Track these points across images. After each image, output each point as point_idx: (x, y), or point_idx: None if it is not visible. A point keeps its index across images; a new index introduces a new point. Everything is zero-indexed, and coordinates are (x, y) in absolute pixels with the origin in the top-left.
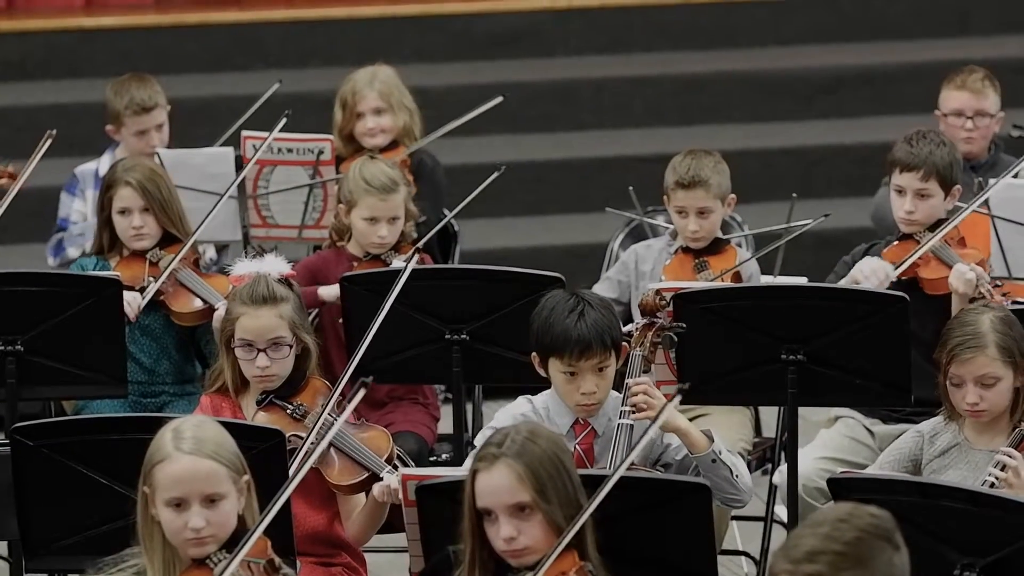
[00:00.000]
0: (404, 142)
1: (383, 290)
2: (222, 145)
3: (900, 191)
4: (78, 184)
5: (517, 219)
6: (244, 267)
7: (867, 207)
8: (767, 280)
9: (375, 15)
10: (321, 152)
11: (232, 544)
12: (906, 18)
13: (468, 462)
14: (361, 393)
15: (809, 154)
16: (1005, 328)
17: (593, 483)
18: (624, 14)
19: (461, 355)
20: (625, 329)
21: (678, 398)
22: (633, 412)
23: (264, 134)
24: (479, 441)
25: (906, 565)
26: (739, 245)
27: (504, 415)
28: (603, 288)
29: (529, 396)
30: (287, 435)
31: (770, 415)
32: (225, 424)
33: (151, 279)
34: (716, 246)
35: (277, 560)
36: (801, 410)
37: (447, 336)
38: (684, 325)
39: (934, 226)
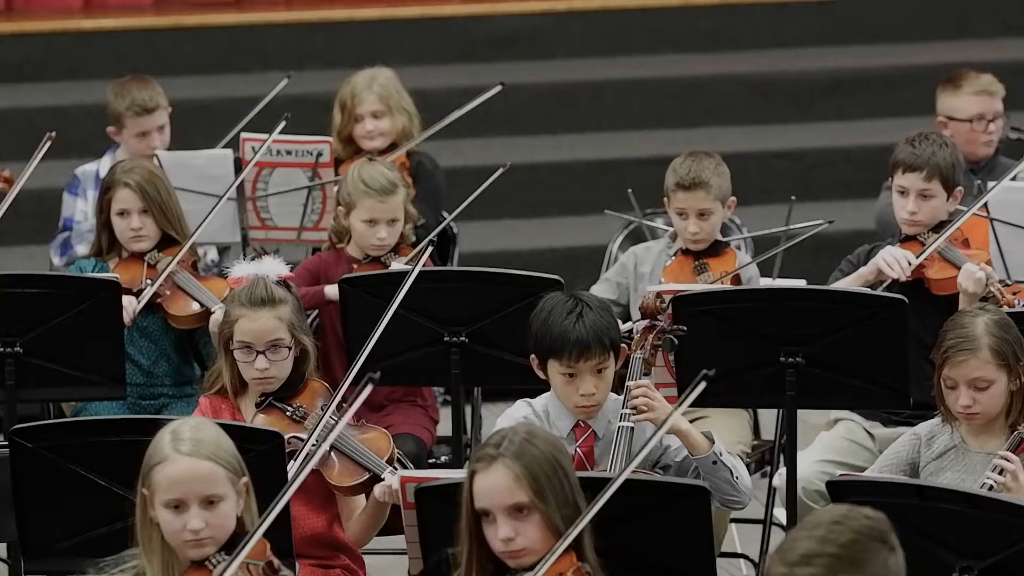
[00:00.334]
0: (403, 144)
1: (382, 292)
2: (226, 143)
3: (903, 192)
4: (79, 184)
5: (516, 221)
6: (243, 269)
7: (867, 210)
8: (766, 283)
9: (374, 17)
10: (320, 154)
11: (231, 546)
12: (905, 21)
13: (468, 464)
14: (368, 389)
15: (808, 157)
16: (1000, 331)
17: (594, 485)
18: (623, 16)
19: (460, 357)
20: (624, 327)
21: (702, 385)
22: (634, 414)
23: (263, 136)
24: None
25: (902, 566)
26: (738, 247)
27: (505, 420)
28: (601, 289)
29: (528, 399)
30: (287, 437)
31: (769, 418)
32: (224, 426)
33: (149, 281)
34: (716, 248)
35: (276, 562)
36: (800, 413)
37: (446, 338)
38: (685, 328)
39: (937, 227)
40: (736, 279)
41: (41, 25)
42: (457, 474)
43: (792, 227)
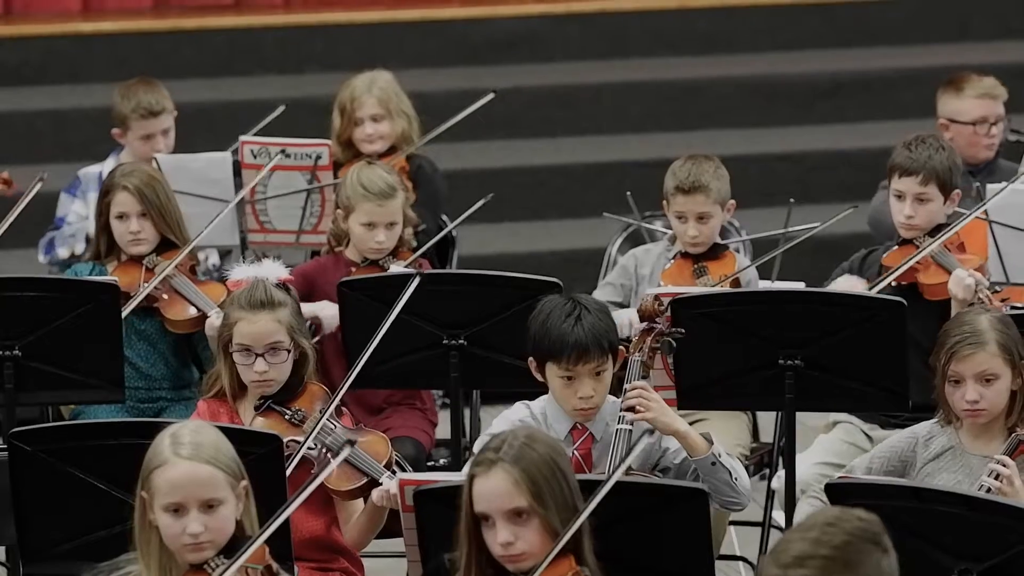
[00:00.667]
0: (402, 148)
1: (381, 296)
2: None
3: (900, 196)
4: (80, 186)
5: (515, 224)
6: (242, 272)
7: (866, 212)
8: (764, 285)
9: (373, 20)
10: (319, 157)
11: (230, 549)
12: (905, 23)
13: (467, 468)
14: (346, 451)
15: (807, 159)
16: (1003, 327)
17: (591, 488)
18: (622, 19)
19: (459, 360)
20: (621, 318)
21: (644, 440)
22: (630, 414)
23: (263, 140)
24: (477, 448)
25: (895, 568)
26: (737, 250)
27: (502, 421)
28: (605, 293)
29: (527, 402)
30: (286, 440)
31: (768, 420)
32: (223, 429)
33: (146, 284)
34: (715, 251)
35: (275, 565)
36: (799, 415)
37: (445, 341)
38: (683, 331)
39: (934, 231)
40: (736, 283)
41: (40, 28)
42: (456, 477)
43: (790, 230)
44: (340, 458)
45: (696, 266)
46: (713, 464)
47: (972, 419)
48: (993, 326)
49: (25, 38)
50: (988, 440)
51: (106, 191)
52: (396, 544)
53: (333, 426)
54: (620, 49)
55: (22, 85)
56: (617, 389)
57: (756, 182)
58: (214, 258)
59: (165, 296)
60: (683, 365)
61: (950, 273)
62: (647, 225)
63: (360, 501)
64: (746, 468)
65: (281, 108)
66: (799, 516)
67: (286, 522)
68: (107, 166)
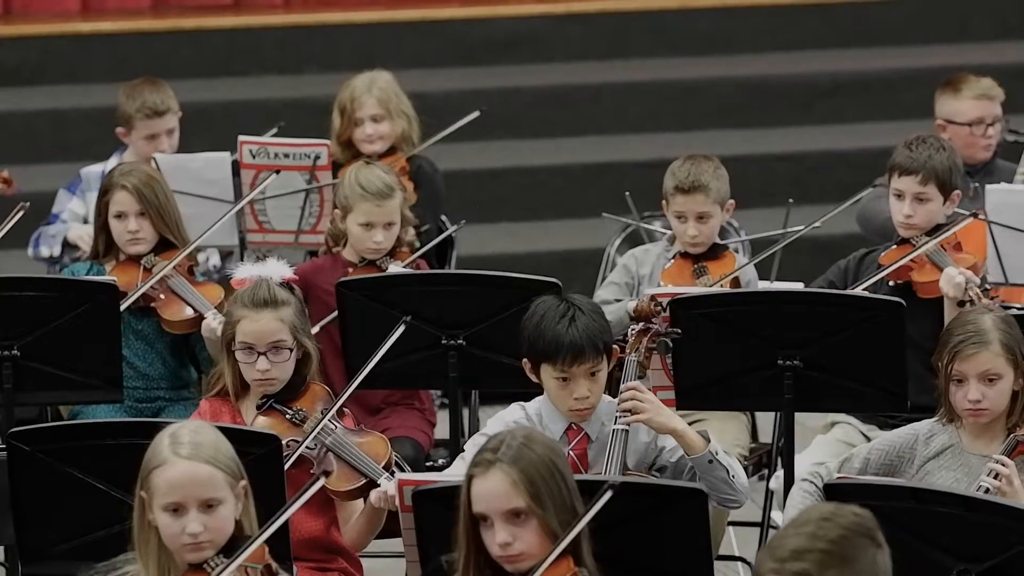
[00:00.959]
0: (402, 148)
1: (379, 296)
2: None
3: (899, 195)
4: (80, 184)
5: (514, 224)
6: (246, 271)
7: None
8: (763, 286)
9: (372, 20)
10: (317, 157)
11: (229, 549)
12: (904, 23)
13: (453, 470)
14: (319, 483)
15: (807, 160)
16: (1006, 327)
17: (589, 489)
18: (622, 19)
19: (457, 360)
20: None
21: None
22: (625, 416)
23: (261, 139)
24: (468, 447)
25: (888, 564)
26: (736, 250)
27: (496, 422)
28: (610, 292)
29: (522, 403)
30: (285, 440)
31: (767, 421)
32: (222, 429)
33: (143, 283)
34: (714, 251)
35: (274, 565)
36: (798, 416)
37: (443, 341)
38: (679, 331)
39: (933, 231)
40: (735, 282)
41: (39, 28)
42: (455, 477)
43: (789, 230)
44: (317, 486)
45: (696, 266)
46: (710, 462)
47: (974, 419)
48: (996, 326)
49: (24, 38)
50: (989, 440)
51: (105, 190)
52: (395, 544)
53: (334, 427)
54: (619, 49)
55: (21, 85)
56: (616, 389)
57: (755, 182)
58: (215, 259)
59: (162, 296)
60: (682, 365)
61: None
62: (646, 225)
63: (360, 502)
64: (745, 468)
65: (278, 125)
66: (790, 503)
67: (285, 522)
68: (110, 165)
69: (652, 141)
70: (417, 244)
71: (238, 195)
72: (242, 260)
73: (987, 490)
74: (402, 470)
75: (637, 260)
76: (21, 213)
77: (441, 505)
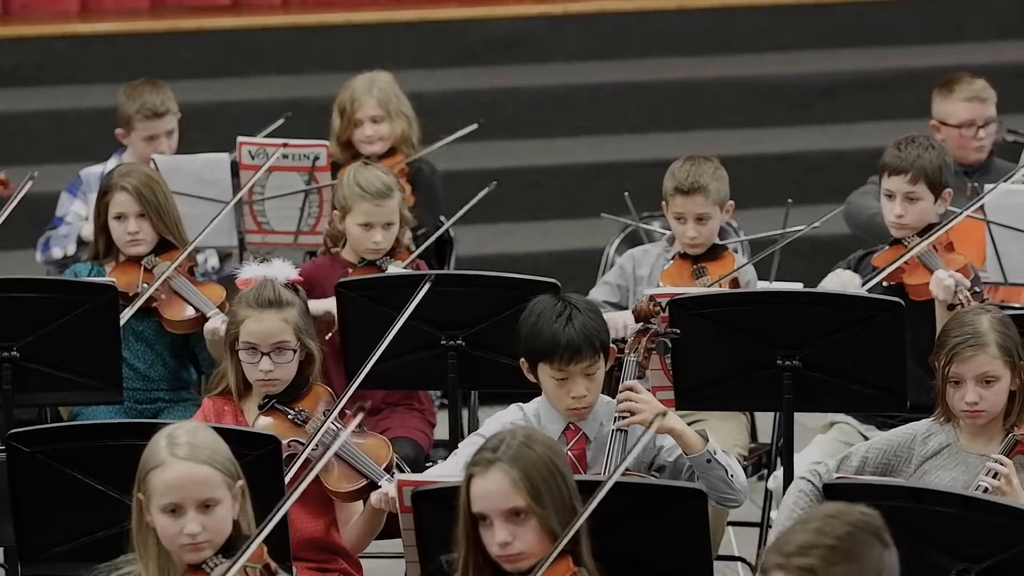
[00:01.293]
0: (402, 149)
1: (378, 296)
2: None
3: (890, 195)
4: (81, 185)
5: (513, 225)
6: (251, 271)
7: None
8: (763, 286)
9: (372, 21)
10: (317, 158)
11: (227, 549)
12: (902, 24)
13: (445, 467)
14: (359, 417)
15: (805, 160)
16: (1003, 328)
17: (589, 489)
18: (620, 20)
19: (457, 361)
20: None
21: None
22: (623, 417)
23: (261, 140)
24: (464, 447)
25: (896, 565)
26: (735, 251)
27: (494, 423)
28: (602, 292)
29: (521, 404)
30: (287, 441)
31: (766, 421)
32: (220, 430)
33: (146, 285)
34: (714, 252)
35: (273, 565)
36: (797, 416)
37: (443, 342)
38: (678, 331)
39: (926, 230)
40: (734, 282)
41: (38, 29)
42: (454, 478)
43: (788, 230)
44: (331, 452)
45: (695, 267)
46: (708, 461)
47: (971, 420)
48: (994, 327)
49: (23, 39)
50: (987, 440)
51: (104, 191)
52: (395, 545)
53: (336, 428)
54: (618, 50)
55: (20, 86)
56: (615, 390)
57: (753, 182)
58: (213, 260)
59: (164, 296)
60: (681, 366)
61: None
62: (645, 226)
63: (359, 503)
64: (744, 468)
65: (285, 116)
66: (784, 502)
67: (284, 522)
68: (109, 166)
69: (650, 141)
70: (413, 247)
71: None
72: (241, 261)
73: (986, 489)
74: (402, 471)
75: (635, 261)
76: (30, 184)
77: (441, 505)
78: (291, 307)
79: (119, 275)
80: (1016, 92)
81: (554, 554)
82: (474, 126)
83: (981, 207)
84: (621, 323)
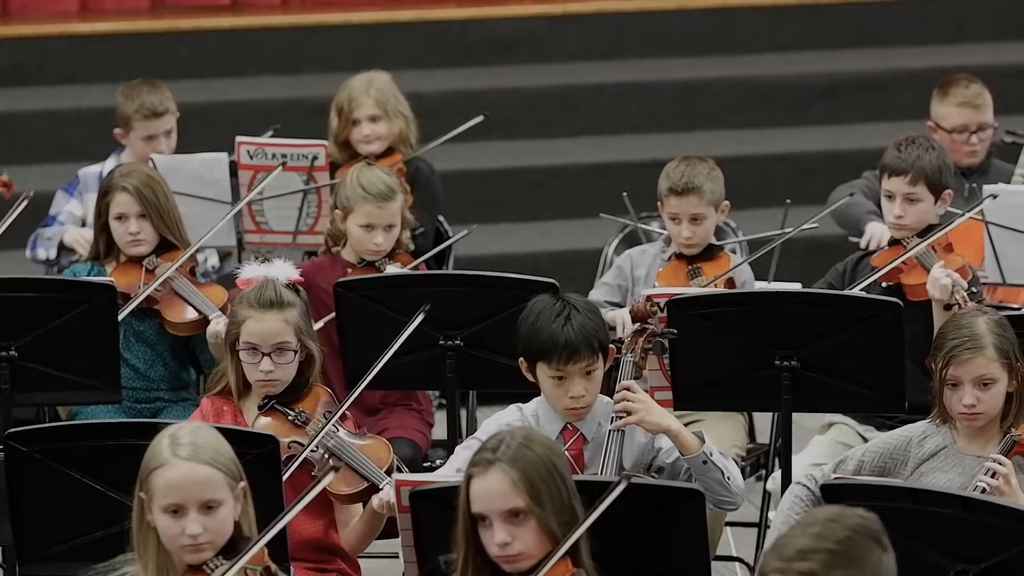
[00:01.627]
0: (400, 149)
1: (377, 296)
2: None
3: (890, 196)
4: (78, 185)
5: (512, 225)
6: (252, 271)
7: None
8: (760, 286)
9: (370, 21)
10: (315, 158)
11: (228, 550)
12: (901, 24)
13: (442, 472)
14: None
15: (804, 160)
16: (1000, 330)
17: (587, 489)
18: (619, 20)
19: (455, 361)
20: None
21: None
22: (620, 418)
23: (259, 139)
24: (461, 451)
25: (893, 567)
26: (733, 251)
27: (492, 424)
28: (602, 293)
29: (519, 404)
30: (287, 442)
31: (764, 421)
32: (220, 430)
33: (146, 285)
34: (710, 252)
35: (273, 566)
36: (796, 416)
37: (441, 342)
38: (675, 331)
39: (925, 231)
40: (731, 282)
41: (37, 29)
42: (453, 478)
43: (786, 230)
44: (328, 479)
45: (691, 267)
46: (704, 463)
47: (969, 422)
48: (991, 329)
49: (22, 38)
50: (984, 441)
51: (105, 192)
52: (393, 545)
53: (336, 430)
54: (617, 50)
55: (19, 86)
56: (613, 390)
57: (752, 183)
58: (213, 259)
59: (165, 298)
60: (679, 366)
61: None
62: (643, 226)
63: (358, 506)
64: (742, 469)
65: (274, 128)
66: (780, 506)
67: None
68: (108, 166)
69: (650, 142)
70: (412, 247)
71: (236, 196)
72: (240, 261)
73: (984, 490)
74: (400, 471)
75: (633, 261)
76: (25, 202)
77: (439, 505)
78: (292, 308)
79: (120, 276)
80: (1015, 93)
81: (556, 558)
82: (480, 118)
83: (979, 208)
84: (620, 320)
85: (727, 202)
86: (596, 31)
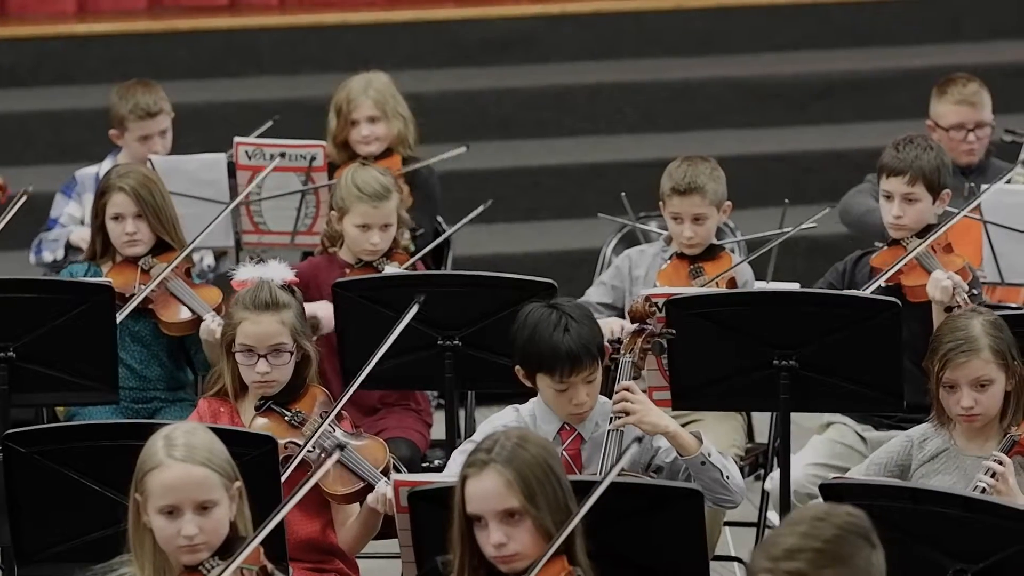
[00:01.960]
0: (398, 150)
1: (375, 296)
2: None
3: (888, 196)
4: (76, 187)
5: (510, 225)
6: (247, 272)
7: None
8: (759, 286)
9: (368, 21)
10: (313, 158)
11: (224, 550)
12: (898, 24)
13: (446, 475)
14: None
15: (801, 160)
16: (996, 331)
17: (584, 489)
18: (617, 20)
19: (453, 361)
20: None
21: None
22: (618, 418)
23: (257, 140)
24: (458, 454)
25: (882, 565)
26: (732, 251)
27: (489, 427)
28: (598, 293)
29: (516, 405)
30: (284, 442)
31: (763, 421)
32: (217, 430)
33: (142, 286)
34: (711, 252)
35: (270, 566)
36: (794, 416)
37: (440, 342)
38: (674, 331)
39: (924, 231)
40: (731, 282)
41: (34, 30)
42: (451, 478)
43: (785, 230)
44: (332, 459)
45: (692, 267)
46: (703, 463)
47: (968, 424)
48: (986, 331)
49: (19, 39)
50: (983, 442)
51: (102, 192)
52: (391, 545)
53: (332, 430)
54: (615, 50)
55: (16, 86)
56: (611, 390)
57: (750, 183)
58: (209, 259)
59: (160, 298)
60: (678, 366)
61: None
62: (641, 226)
63: (355, 506)
64: (741, 469)
65: (273, 119)
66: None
67: (280, 523)
68: (104, 167)
69: (647, 141)
70: (412, 248)
71: (233, 196)
72: (237, 261)
73: (983, 490)
74: (398, 471)
75: (632, 261)
76: (24, 198)
77: (437, 506)
78: (288, 309)
79: (116, 276)
80: (1013, 92)
81: (547, 556)
82: (462, 149)
83: (978, 207)
84: (608, 329)
85: (729, 202)
86: (594, 31)
